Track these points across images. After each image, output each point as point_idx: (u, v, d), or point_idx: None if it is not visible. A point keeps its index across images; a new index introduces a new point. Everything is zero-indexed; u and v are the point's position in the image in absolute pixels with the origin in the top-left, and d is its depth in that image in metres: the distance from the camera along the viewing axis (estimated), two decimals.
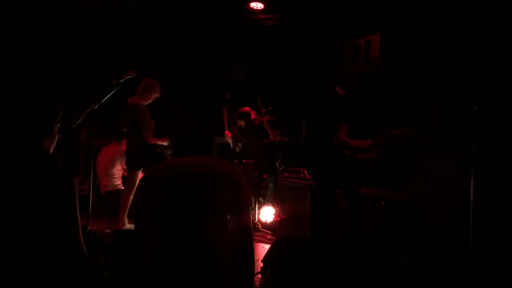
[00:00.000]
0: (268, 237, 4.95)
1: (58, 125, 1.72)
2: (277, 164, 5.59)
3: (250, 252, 2.00)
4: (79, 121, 3.55)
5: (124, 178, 5.76)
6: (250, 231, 2.02)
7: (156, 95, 4.84)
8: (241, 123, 6.08)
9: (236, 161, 5.56)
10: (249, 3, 5.97)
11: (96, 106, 3.62)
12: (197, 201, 1.88)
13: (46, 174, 1.52)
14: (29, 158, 1.53)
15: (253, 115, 6.03)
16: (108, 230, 4.68)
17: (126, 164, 5.11)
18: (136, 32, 6.42)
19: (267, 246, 4.18)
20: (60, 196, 1.52)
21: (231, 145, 5.80)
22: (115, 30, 6.31)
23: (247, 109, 6.07)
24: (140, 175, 4.81)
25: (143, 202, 1.95)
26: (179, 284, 1.78)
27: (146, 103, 4.77)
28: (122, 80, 3.86)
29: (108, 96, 3.73)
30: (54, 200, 1.50)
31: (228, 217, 2.01)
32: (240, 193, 1.95)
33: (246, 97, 6.19)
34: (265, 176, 5.69)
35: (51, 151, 1.71)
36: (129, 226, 4.76)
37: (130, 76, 3.98)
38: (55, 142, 1.74)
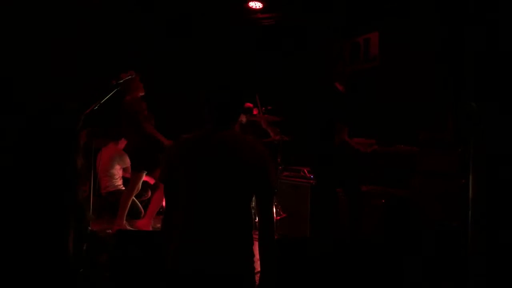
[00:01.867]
0: None
1: None
2: (277, 163, 5.60)
3: (272, 240, 1.93)
4: (79, 122, 3.55)
5: (125, 179, 5.76)
6: (272, 219, 1.98)
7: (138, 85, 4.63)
8: (243, 118, 6.07)
9: None
10: (248, 2, 5.99)
11: (96, 107, 3.63)
12: (222, 183, 1.81)
13: None
14: None
15: (255, 112, 6.02)
16: (109, 230, 4.67)
17: (131, 165, 5.05)
18: (135, 33, 6.44)
19: None
20: None
21: None
22: (115, 31, 6.32)
23: (249, 104, 6.06)
24: (143, 177, 4.77)
25: (170, 181, 1.89)
26: (206, 265, 1.77)
27: (138, 95, 4.62)
28: (122, 81, 3.86)
29: (108, 96, 3.74)
30: None
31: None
32: (266, 177, 1.86)
33: (245, 95, 6.20)
34: None
35: None
36: (128, 227, 4.74)
37: (129, 77, 3.99)
38: None
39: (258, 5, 6.05)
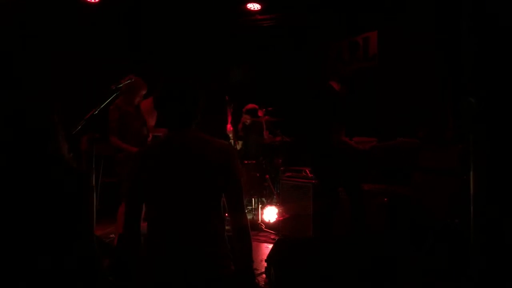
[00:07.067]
0: (272, 237, 4.95)
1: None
2: (278, 163, 5.61)
3: (249, 246, 1.92)
4: (79, 127, 3.57)
5: None
6: (247, 225, 1.94)
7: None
8: (247, 119, 6.08)
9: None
10: (246, 4, 5.99)
11: (96, 112, 3.63)
12: (192, 188, 1.82)
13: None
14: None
15: (259, 113, 6.02)
16: (112, 235, 4.69)
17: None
18: (135, 35, 6.46)
19: (270, 246, 4.19)
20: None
21: (231, 141, 5.82)
22: (114, 34, 6.35)
23: (254, 105, 6.06)
24: None
25: (137, 188, 1.86)
26: (179, 274, 1.78)
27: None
28: (121, 85, 3.86)
29: (108, 101, 3.75)
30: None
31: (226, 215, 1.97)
32: (234, 182, 1.89)
33: (245, 97, 6.24)
34: (267, 176, 5.70)
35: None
36: None
37: (128, 81, 3.99)
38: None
39: (256, 6, 6.06)
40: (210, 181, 1.84)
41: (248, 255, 1.91)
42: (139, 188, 1.85)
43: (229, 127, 5.88)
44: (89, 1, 5.59)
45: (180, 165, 1.82)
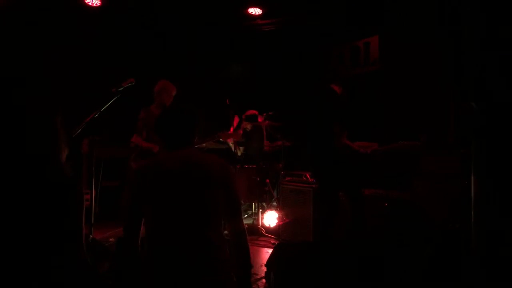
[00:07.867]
0: (272, 241, 4.93)
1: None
2: (279, 168, 5.60)
3: (247, 252, 2.00)
4: (80, 130, 3.56)
5: None
6: (244, 231, 2.03)
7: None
8: (247, 126, 6.08)
9: (238, 166, 5.57)
10: (247, 8, 6.01)
11: (96, 115, 3.62)
12: (192, 201, 1.89)
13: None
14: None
15: (259, 119, 6.02)
16: (111, 239, 4.68)
17: None
18: (136, 38, 6.48)
19: (270, 251, 4.17)
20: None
21: (232, 148, 5.81)
22: (115, 36, 6.36)
23: (254, 112, 6.06)
24: None
25: (138, 201, 1.94)
26: (179, 284, 1.80)
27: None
28: (122, 88, 3.85)
29: (108, 104, 3.74)
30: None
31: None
32: (231, 191, 1.99)
33: (246, 101, 6.24)
34: (267, 180, 5.69)
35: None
36: None
37: (129, 84, 3.97)
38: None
39: (257, 11, 6.07)
40: (209, 195, 1.92)
41: (245, 264, 2.00)
42: (140, 201, 1.92)
43: (230, 140, 5.87)
44: (91, 5, 5.62)
45: (181, 179, 1.91)
